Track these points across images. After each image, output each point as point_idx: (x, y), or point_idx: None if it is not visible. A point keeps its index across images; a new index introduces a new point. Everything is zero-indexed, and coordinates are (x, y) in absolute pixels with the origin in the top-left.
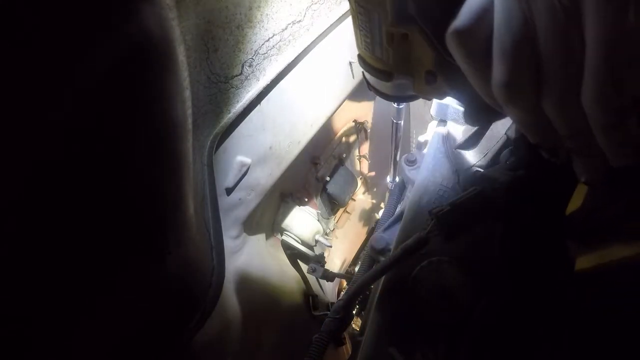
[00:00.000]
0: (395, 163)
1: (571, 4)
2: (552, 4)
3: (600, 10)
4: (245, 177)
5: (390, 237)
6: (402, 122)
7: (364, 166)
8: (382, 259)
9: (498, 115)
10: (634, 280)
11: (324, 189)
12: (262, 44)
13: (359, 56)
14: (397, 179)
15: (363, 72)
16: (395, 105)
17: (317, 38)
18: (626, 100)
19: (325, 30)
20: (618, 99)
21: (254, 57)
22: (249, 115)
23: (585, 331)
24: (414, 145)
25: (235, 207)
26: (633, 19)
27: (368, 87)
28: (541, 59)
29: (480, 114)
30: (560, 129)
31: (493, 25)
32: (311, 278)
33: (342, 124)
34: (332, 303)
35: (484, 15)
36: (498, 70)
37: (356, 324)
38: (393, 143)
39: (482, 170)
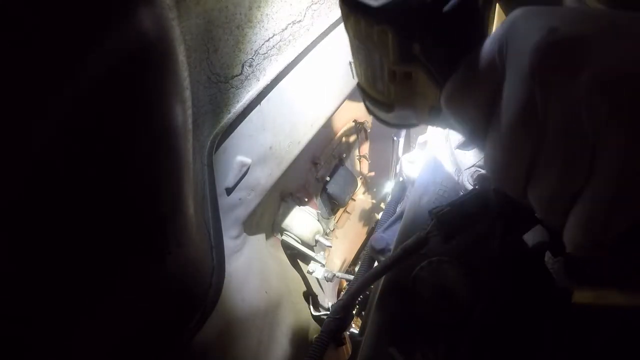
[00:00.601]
0: (395, 176)
1: (592, 127)
2: (571, 115)
3: (622, 150)
4: (245, 177)
5: (390, 237)
6: (403, 139)
7: (364, 166)
8: (382, 259)
9: None
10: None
11: (324, 189)
12: (262, 44)
13: (359, 85)
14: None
15: (363, 99)
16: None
17: (317, 38)
18: (609, 237)
19: (325, 30)
20: (603, 235)
21: (254, 57)
22: (249, 115)
23: (586, 331)
24: (414, 145)
25: (235, 207)
26: None
27: (368, 112)
28: (539, 154)
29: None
30: (539, 213)
31: (492, 90)
32: (311, 278)
33: (342, 124)
34: (333, 303)
35: (482, 81)
36: (492, 148)
37: (356, 324)
38: (393, 157)
39: (482, 170)
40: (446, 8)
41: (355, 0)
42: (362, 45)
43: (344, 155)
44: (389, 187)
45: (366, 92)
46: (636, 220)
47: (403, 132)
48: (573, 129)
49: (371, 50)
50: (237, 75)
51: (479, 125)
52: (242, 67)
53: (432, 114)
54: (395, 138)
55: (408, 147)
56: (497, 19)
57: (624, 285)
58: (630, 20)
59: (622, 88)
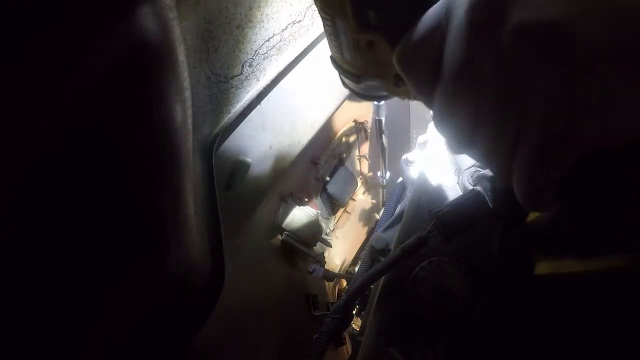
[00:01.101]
0: (384, 159)
1: (519, 76)
2: (501, 65)
3: (548, 97)
4: (245, 177)
5: (390, 237)
6: (384, 119)
7: (364, 166)
8: (382, 259)
9: None
10: (586, 290)
11: (324, 189)
12: (262, 44)
13: (331, 57)
14: (387, 174)
15: (338, 72)
16: (375, 102)
17: (317, 38)
18: (548, 183)
19: None
20: (543, 181)
21: (254, 57)
22: (249, 115)
23: (586, 331)
24: (414, 145)
25: (235, 207)
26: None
27: (343, 85)
28: (479, 107)
29: None
30: (486, 167)
31: (438, 49)
32: (311, 278)
33: (342, 124)
34: (332, 303)
35: (429, 40)
36: (439, 105)
37: (356, 324)
38: (377, 139)
39: (482, 170)
40: None
41: None
42: (327, 17)
43: (344, 155)
44: (381, 172)
45: (337, 63)
46: (573, 167)
47: (383, 111)
48: (505, 79)
49: (335, 20)
50: (237, 75)
51: (427, 84)
52: (242, 67)
53: (398, 84)
54: (376, 117)
55: (408, 147)
56: None
57: (580, 255)
58: None
59: (542, 34)
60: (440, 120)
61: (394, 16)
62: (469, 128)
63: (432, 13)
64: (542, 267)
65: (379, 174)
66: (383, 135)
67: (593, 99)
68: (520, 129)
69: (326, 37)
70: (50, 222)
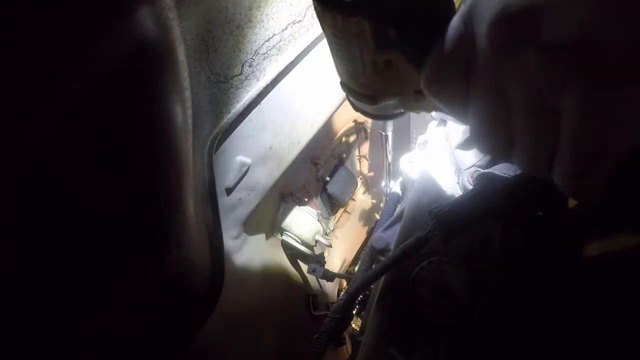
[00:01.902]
0: (389, 171)
1: (550, 94)
2: (530, 85)
3: (579, 113)
4: (245, 177)
5: (390, 237)
6: (391, 133)
7: (364, 166)
8: (382, 259)
9: None
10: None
11: (324, 189)
12: (262, 44)
13: (341, 83)
14: (391, 184)
15: (347, 95)
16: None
17: (317, 38)
18: (591, 188)
19: None
20: (583, 188)
21: (254, 57)
22: (249, 115)
23: (586, 330)
24: (414, 145)
25: (235, 207)
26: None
27: (353, 108)
28: (514, 123)
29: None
30: (527, 172)
31: (464, 67)
32: (311, 278)
33: (342, 124)
34: (332, 303)
35: (454, 60)
36: (474, 121)
37: (356, 324)
38: (384, 152)
39: (482, 170)
40: None
41: None
42: (340, 41)
43: (344, 155)
44: (385, 181)
45: (349, 87)
46: (611, 171)
47: (390, 126)
48: (535, 98)
49: (351, 44)
50: (237, 75)
51: (459, 101)
52: (242, 67)
53: (418, 98)
54: (383, 133)
55: (408, 147)
56: None
57: (632, 228)
58: None
59: (570, 54)
60: (477, 137)
61: (414, 30)
62: (505, 145)
63: (451, 31)
64: (592, 249)
65: (382, 183)
66: (388, 150)
67: (624, 115)
68: (554, 148)
69: (336, 63)
70: (50, 222)
